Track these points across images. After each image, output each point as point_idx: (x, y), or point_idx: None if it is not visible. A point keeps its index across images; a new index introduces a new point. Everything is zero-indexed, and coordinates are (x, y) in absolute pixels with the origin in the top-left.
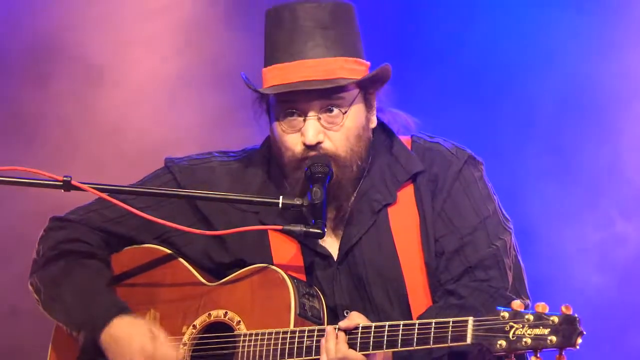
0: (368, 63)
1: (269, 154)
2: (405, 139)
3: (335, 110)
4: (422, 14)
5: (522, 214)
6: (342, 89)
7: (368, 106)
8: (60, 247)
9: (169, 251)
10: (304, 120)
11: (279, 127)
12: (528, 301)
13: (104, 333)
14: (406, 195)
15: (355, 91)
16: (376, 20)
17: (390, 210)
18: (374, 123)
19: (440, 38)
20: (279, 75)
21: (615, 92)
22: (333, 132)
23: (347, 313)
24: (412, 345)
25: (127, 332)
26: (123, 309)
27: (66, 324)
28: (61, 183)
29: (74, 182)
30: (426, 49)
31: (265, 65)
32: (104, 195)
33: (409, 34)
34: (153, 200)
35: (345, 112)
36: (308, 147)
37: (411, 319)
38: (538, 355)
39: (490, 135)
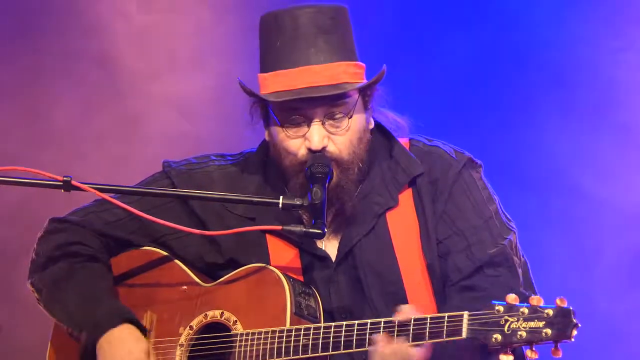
0: (364, 65)
1: (265, 157)
2: (403, 141)
3: (340, 115)
4: (415, 13)
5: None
6: (346, 94)
7: (366, 108)
8: (62, 249)
9: (165, 253)
10: (308, 126)
11: (282, 133)
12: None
13: (103, 338)
14: (405, 198)
15: (356, 95)
16: (366, 20)
17: (388, 212)
18: (371, 124)
19: (434, 38)
20: (283, 82)
21: (615, 93)
22: (337, 137)
23: (344, 315)
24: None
25: (125, 346)
26: (126, 316)
27: (67, 324)
28: (61, 183)
29: (74, 182)
30: (418, 50)
31: (265, 71)
32: (104, 196)
33: (401, 34)
34: (151, 204)
35: (350, 116)
36: (312, 152)
37: None
38: (533, 349)
39: (486, 136)
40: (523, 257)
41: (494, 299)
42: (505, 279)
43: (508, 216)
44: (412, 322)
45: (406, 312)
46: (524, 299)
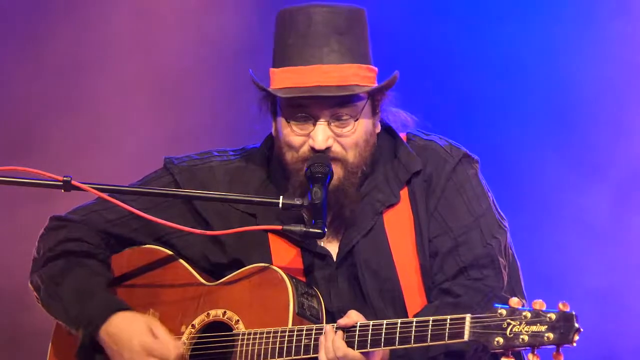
0: (377, 69)
1: (269, 153)
2: (401, 136)
3: (347, 117)
4: (424, 15)
5: (524, 212)
6: (354, 97)
7: (375, 112)
8: (61, 246)
9: (168, 252)
10: (314, 125)
11: (287, 128)
12: (524, 301)
13: (102, 330)
14: (403, 195)
15: (365, 98)
16: (377, 22)
17: (385, 211)
18: (378, 128)
19: (442, 39)
20: (293, 78)
21: (618, 89)
22: (343, 138)
23: (343, 315)
24: (409, 342)
25: (125, 329)
26: (120, 307)
27: (64, 322)
28: (61, 183)
29: (74, 182)
30: (428, 50)
31: (276, 66)
32: (104, 196)
33: (410, 35)
34: (153, 202)
35: (357, 119)
36: (315, 152)
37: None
38: (535, 352)
39: (492, 134)
40: (514, 257)
41: (466, 306)
42: (488, 281)
43: (501, 214)
44: (358, 327)
45: (351, 318)
46: (504, 302)
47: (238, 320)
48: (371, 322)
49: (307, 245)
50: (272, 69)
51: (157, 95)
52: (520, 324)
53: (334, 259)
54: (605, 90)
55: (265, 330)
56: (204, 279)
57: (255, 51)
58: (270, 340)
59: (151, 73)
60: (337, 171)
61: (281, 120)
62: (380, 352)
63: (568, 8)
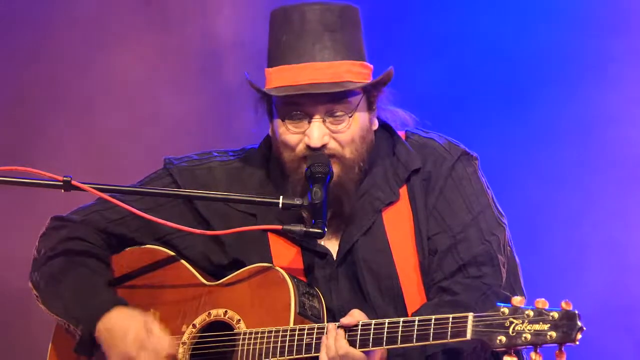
0: (371, 66)
1: (268, 153)
2: (400, 134)
3: (341, 114)
4: (421, 13)
5: (524, 209)
6: (348, 93)
7: (371, 108)
8: (62, 245)
9: (169, 252)
10: (309, 122)
11: (282, 127)
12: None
13: (100, 325)
14: (402, 193)
15: (360, 94)
16: (372, 19)
17: (385, 209)
18: (375, 125)
19: (439, 35)
20: (286, 77)
21: (618, 87)
22: (339, 134)
23: (344, 314)
24: (411, 341)
25: (122, 324)
26: (119, 302)
27: (64, 319)
28: (61, 183)
29: (74, 182)
30: (424, 47)
31: (270, 66)
32: (105, 196)
33: (406, 32)
34: (154, 202)
35: (351, 115)
36: (311, 149)
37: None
38: (538, 351)
39: (491, 131)
40: (514, 254)
41: (464, 304)
42: (487, 279)
43: (501, 211)
44: (360, 327)
45: (354, 317)
46: (502, 299)
47: (239, 320)
48: (373, 321)
49: (307, 245)
50: (267, 69)
51: (157, 96)
52: (522, 323)
53: (334, 257)
54: (605, 89)
55: (267, 329)
56: (204, 278)
57: (256, 53)
58: (272, 339)
59: (152, 73)
60: (335, 168)
61: (277, 120)
62: (380, 351)
63: (565, 5)
